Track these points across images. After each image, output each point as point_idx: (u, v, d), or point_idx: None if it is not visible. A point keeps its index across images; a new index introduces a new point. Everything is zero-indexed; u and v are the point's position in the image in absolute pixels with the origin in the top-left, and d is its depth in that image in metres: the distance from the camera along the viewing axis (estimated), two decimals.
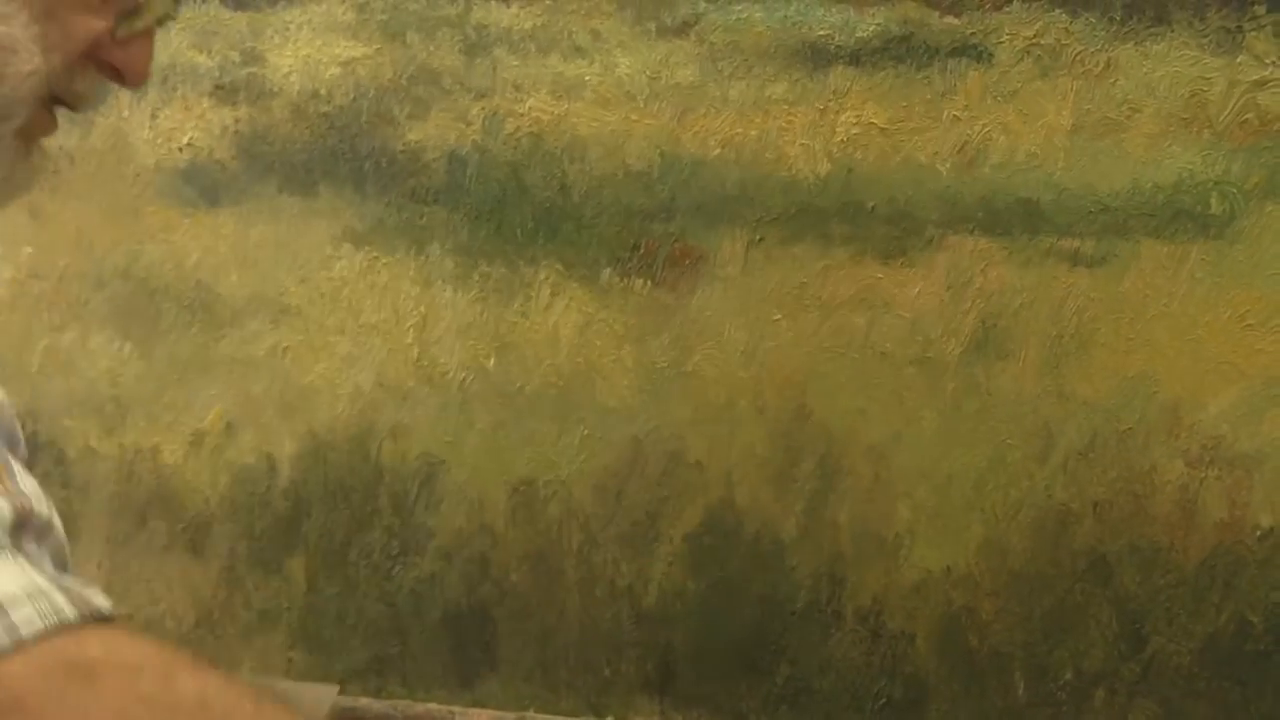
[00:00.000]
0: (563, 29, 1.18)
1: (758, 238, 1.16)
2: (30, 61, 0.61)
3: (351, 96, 1.21)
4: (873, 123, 1.14)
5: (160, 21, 0.66)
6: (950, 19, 1.13)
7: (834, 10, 1.14)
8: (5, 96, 0.62)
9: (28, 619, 0.47)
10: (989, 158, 1.13)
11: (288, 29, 1.22)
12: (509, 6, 1.18)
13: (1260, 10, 1.10)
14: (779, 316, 1.16)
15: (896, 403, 1.14)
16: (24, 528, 0.56)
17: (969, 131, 1.13)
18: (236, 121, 1.24)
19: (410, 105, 1.20)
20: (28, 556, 0.53)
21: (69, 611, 0.48)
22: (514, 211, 1.19)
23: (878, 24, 1.14)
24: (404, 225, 1.20)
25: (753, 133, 1.15)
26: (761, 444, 1.16)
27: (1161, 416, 1.11)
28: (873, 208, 1.14)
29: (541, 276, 1.19)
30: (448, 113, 1.20)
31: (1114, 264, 1.12)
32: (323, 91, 1.22)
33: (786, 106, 1.15)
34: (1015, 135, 1.13)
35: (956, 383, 1.14)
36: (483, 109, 1.19)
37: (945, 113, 1.13)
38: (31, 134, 0.65)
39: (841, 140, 1.14)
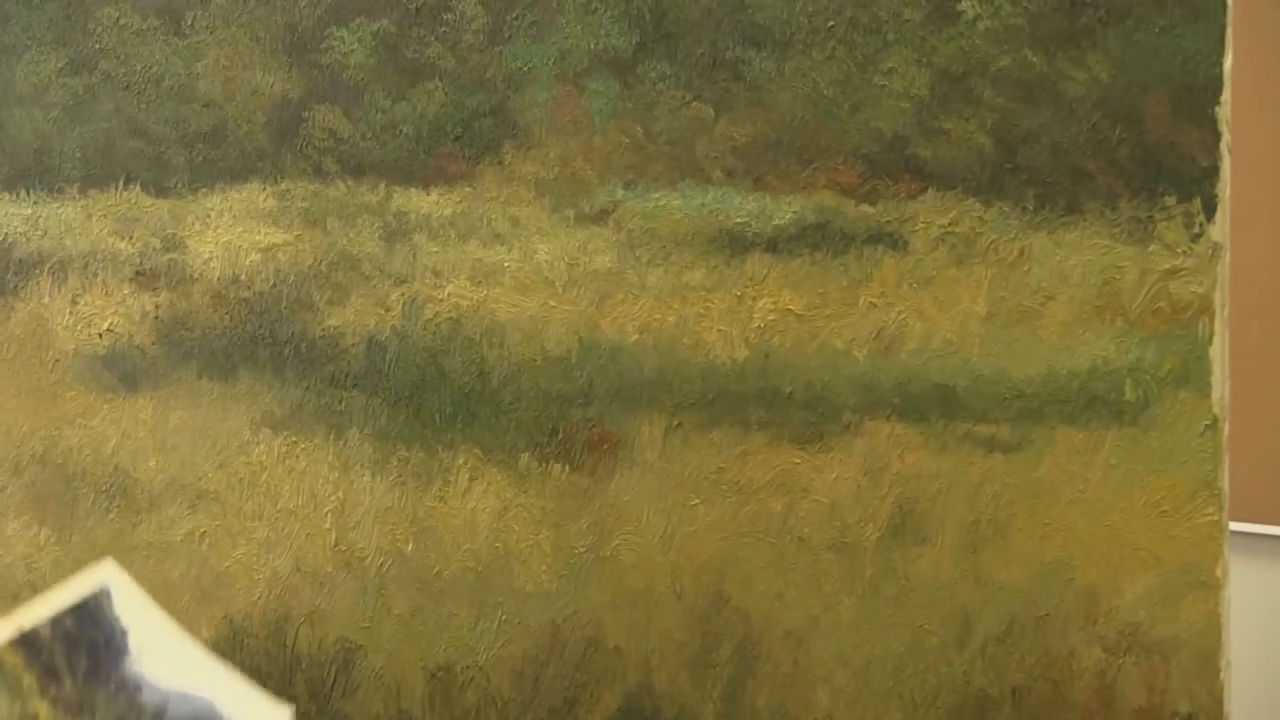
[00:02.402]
0: (482, 216, 1.19)
1: (675, 423, 1.16)
2: None
3: (271, 282, 1.22)
4: (790, 309, 1.15)
5: None
6: (866, 207, 1.14)
7: (750, 198, 1.16)
8: None
9: None
10: (905, 344, 1.14)
11: (209, 215, 1.23)
12: (429, 194, 1.19)
13: (1170, 201, 1.11)
14: (696, 501, 1.16)
15: (814, 588, 1.14)
16: None
17: (885, 318, 1.14)
18: (157, 307, 1.24)
19: (330, 291, 1.21)
20: None
21: None
22: (433, 396, 1.19)
23: (794, 212, 1.15)
24: (323, 410, 1.21)
25: (670, 319, 1.16)
26: (679, 629, 1.16)
27: (1079, 602, 1.11)
28: (790, 393, 1.15)
29: (460, 461, 1.19)
30: (367, 298, 1.20)
31: (1030, 450, 1.12)
32: (243, 277, 1.22)
33: (704, 293, 1.16)
34: (931, 322, 1.13)
35: (874, 568, 1.14)
36: (402, 295, 1.20)
37: (861, 299, 1.14)
38: None
39: (759, 326, 1.15)
